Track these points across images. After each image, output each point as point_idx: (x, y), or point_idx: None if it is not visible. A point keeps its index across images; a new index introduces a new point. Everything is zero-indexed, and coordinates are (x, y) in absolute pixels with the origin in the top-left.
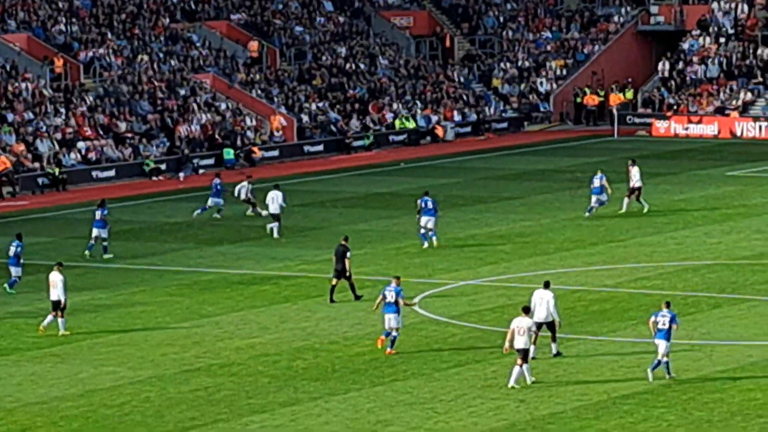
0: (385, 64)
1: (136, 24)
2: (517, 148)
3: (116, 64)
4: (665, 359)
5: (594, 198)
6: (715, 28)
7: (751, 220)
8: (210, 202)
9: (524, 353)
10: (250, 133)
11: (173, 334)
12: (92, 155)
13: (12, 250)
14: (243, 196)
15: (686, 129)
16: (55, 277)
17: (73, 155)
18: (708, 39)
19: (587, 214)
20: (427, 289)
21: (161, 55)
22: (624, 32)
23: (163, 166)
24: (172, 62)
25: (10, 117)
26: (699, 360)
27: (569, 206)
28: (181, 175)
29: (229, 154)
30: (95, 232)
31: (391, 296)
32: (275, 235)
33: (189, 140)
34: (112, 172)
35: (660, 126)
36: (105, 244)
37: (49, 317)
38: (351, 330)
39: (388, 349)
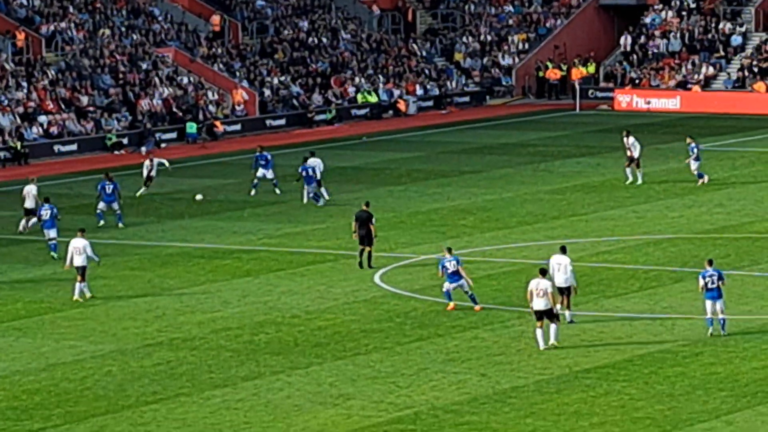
0: (347, 38)
1: None
2: (479, 122)
3: (78, 38)
4: (722, 316)
5: (695, 165)
6: (677, 2)
7: (712, 194)
8: (260, 173)
9: (547, 314)
10: (212, 107)
11: (135, 308)
12: (54, 129)
13: (47, 213)
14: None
15: (648, 103)
16: (80, 243)
17: (34, 129)
18: (670, 13)
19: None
20: (389, 263)
21: (123, 28)
22: (586, 6)
23: (125, 140)
24: (134, 36)
25: None
26: (660, 334)
27: (531, 180)
28: (143, 149)
29: (191, 128)
30: (102, 205)
31: (452, 266)
32: (322, 202)
33: (151, 114)
34: (74, 146)
35: (622, 100)
36: (120, 212)
37: (78, 285)
38: (313, 304)
39: (476, 306)
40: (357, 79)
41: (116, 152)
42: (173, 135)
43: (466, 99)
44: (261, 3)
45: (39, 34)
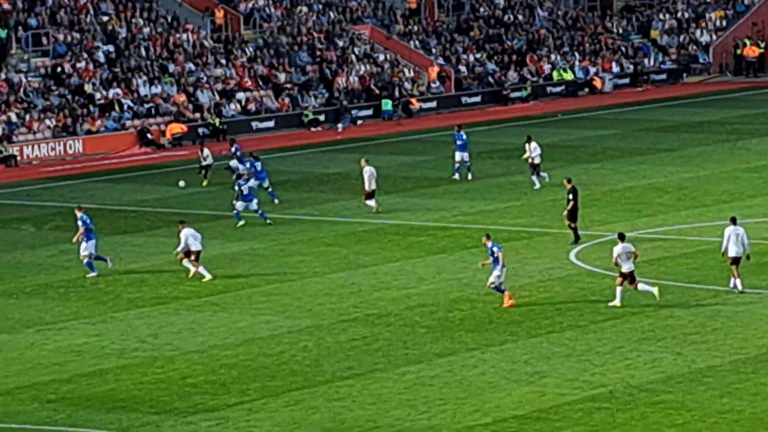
0: (544, 15)
1: None
2: (675, 99)
3: (276, 15)
4: None
5: None
6: None
7: None
8: (457, 156)
9: (631, 276)
10: (407, 85)
11: (330, 284)
12: (252, 106)
13: (246, 188)
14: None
15: None
16: (192, 231)
17: (232, 106)
18: None
19: None
20: (583, 240)
21: (320, 6)
22: None
23: (321, 117)
24: (331, 13)
25: (171, 68)
26: None
27: (728, 158)
28: (340, 126)
29: (387, 105)
30: (253, 182)
31: (497, 251)
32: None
33: (347, 91)
34: (271, 123)
35: None
36: (271, 189)
37: (198, 267)
38: (507, 281)
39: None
40: (553, 57)
41: (312, 129)
42: (369, 112)
43: (663, 76)
44: None
45: (237, 12)
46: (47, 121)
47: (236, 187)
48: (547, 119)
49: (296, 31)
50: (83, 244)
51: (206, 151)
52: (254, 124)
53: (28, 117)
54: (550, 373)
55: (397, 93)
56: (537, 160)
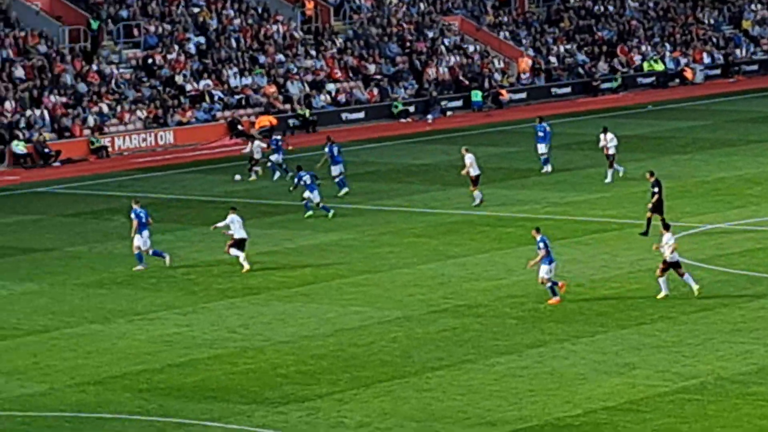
0: (634, 5)
1: None
2: (766, 90)
3: (366, 6)
4: None
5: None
6: None
7: None
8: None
9: (676, 264)
10: (497, 76)
11: (420, 275)
12: (341, 97)
13: (308, 178)
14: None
15: None
16: (239, 218)
17: (322, 97)
18: None
19: None
20: (674, 231)
21: None
22: None
23: (411, 108)
24: (421, 4)
25: (261, 59)
26: None
27: None
28: (429, 117)
29: (476, 96)
30: (335, 169)
31: (546, 245)
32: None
33: (437, 82)
34: (361, 114)
35: None
36: (342, 177)
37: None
38: (597, 273)
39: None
40: (643, 47)
41: (402, 120)
42: (459, 103)
43: (754, 67)
44: None
45: (327, 3)
46: (138, 113)
47: (296, 180)
48: (638, 110)
49: (386, 23)
50: (136, 237)
51: (256, 144)
52: (344, 115)
53: (119, 108)
54: (640, 364)
55: (486, 84)
56: (612, 151)
